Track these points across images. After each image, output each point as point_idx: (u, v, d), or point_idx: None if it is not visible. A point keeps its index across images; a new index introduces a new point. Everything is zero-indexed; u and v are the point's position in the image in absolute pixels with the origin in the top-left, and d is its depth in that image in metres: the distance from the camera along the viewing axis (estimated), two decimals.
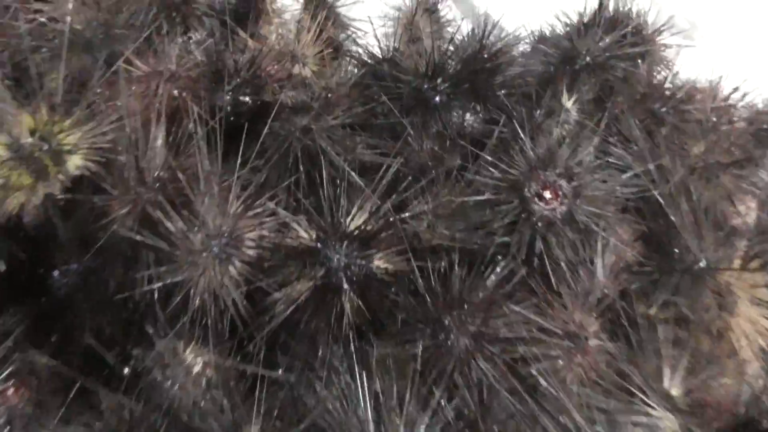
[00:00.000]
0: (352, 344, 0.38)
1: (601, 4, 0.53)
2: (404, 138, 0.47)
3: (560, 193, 0.41)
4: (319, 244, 0.38)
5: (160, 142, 0.38)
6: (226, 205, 0.37)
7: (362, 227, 0.39)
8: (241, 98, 0.45)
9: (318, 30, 0.56)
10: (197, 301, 0.36)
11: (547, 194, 0.41)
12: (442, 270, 0.40)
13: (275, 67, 0.50)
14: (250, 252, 0.37)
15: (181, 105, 0.43)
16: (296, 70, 0.53)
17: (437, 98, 0.50)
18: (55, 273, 0.39)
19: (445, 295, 0.39)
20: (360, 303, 0.39)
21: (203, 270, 0.36)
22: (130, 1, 0.46)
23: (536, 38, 0.55)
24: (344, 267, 0.38)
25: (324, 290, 0.38)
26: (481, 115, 0.50)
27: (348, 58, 0.56)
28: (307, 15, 0.58)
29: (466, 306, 0.38)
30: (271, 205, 0.39)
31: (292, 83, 0.49)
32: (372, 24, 0.55)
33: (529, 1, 0.66)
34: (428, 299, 0.39)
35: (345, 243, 0.38)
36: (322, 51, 0.55)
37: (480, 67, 0.50)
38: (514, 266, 0.41)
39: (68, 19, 0.41)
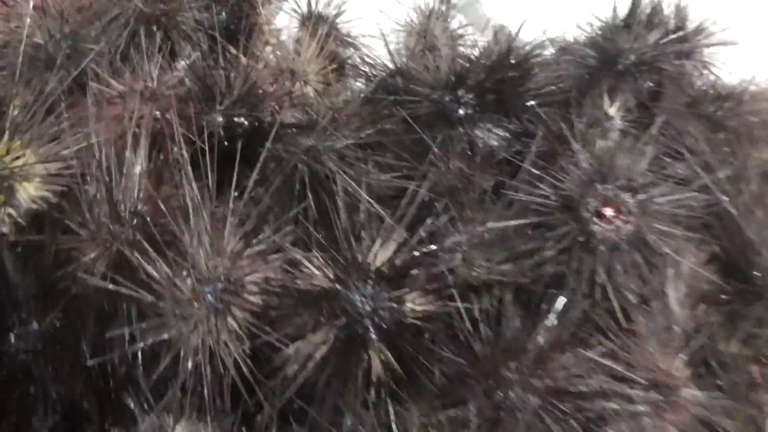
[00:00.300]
0: (384, 409, 0.30)
1: (636, 1, 0.47)
2: (428, 157, 0.40)
3: (624, 209, 0.34)
4: (338, 286, 0.31)
5: (138, 169, 0.31)
6: (221, 243, 0.29)
7: (389, 263, 0.32)
8: (236, 119, 0.38)
9: (319, 46, 0.49)
10: (189, 364, 0.28)
11: (609, 211, 0.34)
12: (489, 311, 0.33)
13: (272, 85, 0.43)
14: (254, 299, 0.29)
15: (164, 127, 0.36)
16: (296, 88, 0.46)
17: (461, 111, 0.43)
18: (10, 337, 0.31)
19: (496, 341, 0.31)
20: (391, 356, 0.31)
21: (196, 324, 0.29)
22: (101, 12, 0.39)
23: (563, 43, 0.49)
24: (371, 312, 0.31)
25: (347, 342, 0.31)
26: (511, 127, 0.43)
27: (354, 75, 0.50)
28: (306, 32, 0.52)
29: (525, 354, 0.30)
30: (276, 239, 0.31)
31: (292, 102, 0.43)
32: (383, 35, 0.48)
33: (543, 9, 0.60)
34: (476, 347, 0.31)
35: (370, 283, 0.31)
36: (325, 68, 0.49)
37: (507, 74, 0.44)
38: (575, 301, 0.33)
39: (24, 31, 0.34)
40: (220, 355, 0.29)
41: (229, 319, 0.29)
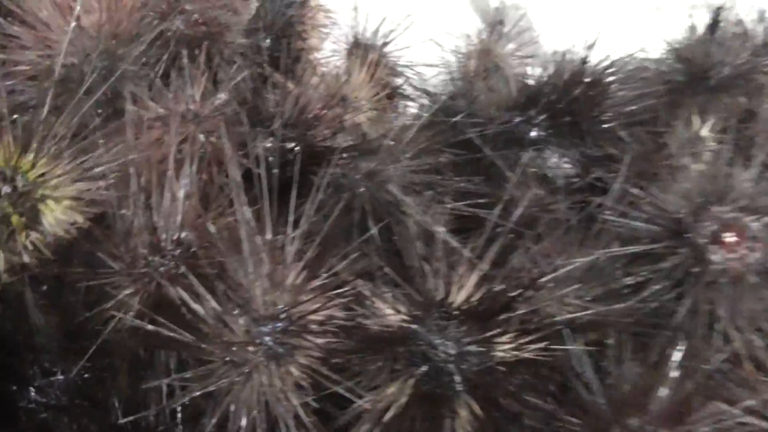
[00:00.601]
0: None
1: (717, 13, 0.43)
2: (502, 183, 0.35)
3: (748, 234, 0.29)
4: (415, 326, 0.26)
5: (182, 193, 0.27)
6: (280, 275, 0.25)
7: (472, 301, 0.27)
8: (288, 143, 0.34)
9: (369, 73, 0.46)
10: (243, 422, 0.23)
11: (730, 237, 0.29)
12: (592, 355, 0.28)
13: (324, 111, 0.39)
14: (317, 341, 0.24)
15: (209, 151, 0.32)
16: (348, 115, 0.42)
17: (533, 133, 0.38)
18: (30, 391, 0.27)
19: (609, 394, 0.26)
20: (479, 410, 0.26)
21: (250, 373, 0.24)
22: (140, 31, 0.36)
23: (636, 62, 0.45)
24: (455, 357, 0.25)
25: (428, 394, 0.25)
26: (588, 150, 0.39)
27: (406, 101, 0.46)
28: (355, 59, 0.48)
29: (646, 409, 0.25)
30: (341, 272, 0.26)
31: (344, 127, 0.38)
32: (441, 58, 0.44)
33: (599, 34, 0.56)
34: (584, 400, 0.26)
35: (453, 323, 0.26)
36: (376, 94, 0.45)
37: (582, 93, 0.39)
38: (695, 345, 0.28)
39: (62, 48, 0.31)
40: (279, 412, 0.24)
41: (291, 366, 0.24)
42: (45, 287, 0.26)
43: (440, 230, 0.30)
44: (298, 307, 0.24)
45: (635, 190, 0.31)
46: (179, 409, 0.27)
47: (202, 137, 0.33)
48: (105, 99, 0.32)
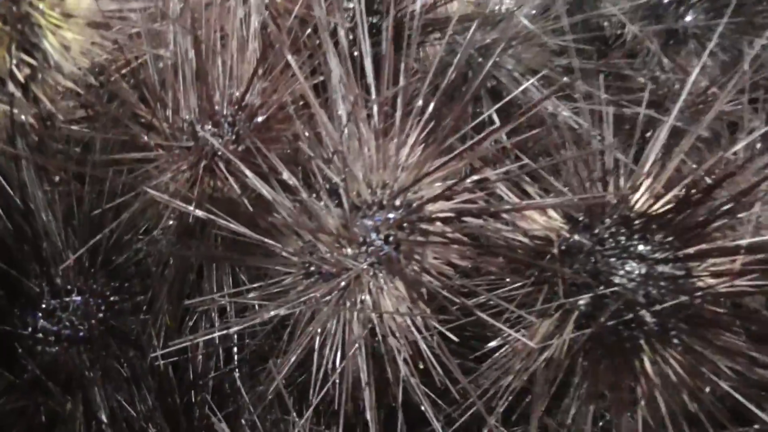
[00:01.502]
0: None
1: None
2: None
3: None
4: (581, 237, 0.17)
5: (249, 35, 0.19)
6: (389, 148, 0.17)
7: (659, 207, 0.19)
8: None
9: None
10: (336, 358, 0.15)
11: None
12: None
13: None
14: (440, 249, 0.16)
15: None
16: None
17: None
18: (37, 315, 0.19)
19: None
20: (674, 356, 0.17)
21: (348, 287, 0.16)
22: None
23: None
24: (642, 283, 0.17)
25: (603, 335, 0.17)
26: None
27: None
28: None
29: None
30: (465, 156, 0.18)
31: None
32: None
33: None
34: None
35: (636, 237, 0.17)
36: None
37: None
38: None
39: None
40: (389, 345, 0.15)
41: (407, 272, 0.16)
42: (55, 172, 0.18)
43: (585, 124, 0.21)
44: (415, 194, 0.16)
45: None
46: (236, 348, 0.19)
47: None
48: None
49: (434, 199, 0.16)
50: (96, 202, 0.20)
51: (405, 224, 0.16)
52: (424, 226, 0.16)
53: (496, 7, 0.28)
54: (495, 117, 0.25)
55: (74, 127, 0.18)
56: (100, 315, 0.20)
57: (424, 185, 0.17)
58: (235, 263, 0.18)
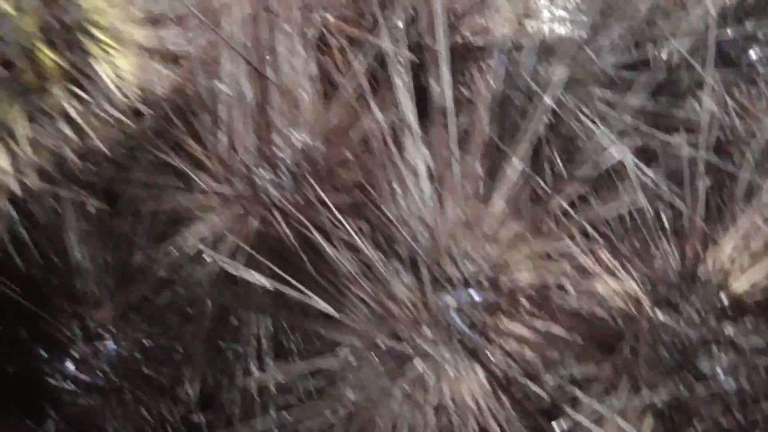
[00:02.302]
0: None
1: None
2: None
3: None
4: (663, 316, 0.16)
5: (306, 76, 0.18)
6: (475, 213, 0.15)
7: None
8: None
9: None
10: None
11: None
12: None
13: None
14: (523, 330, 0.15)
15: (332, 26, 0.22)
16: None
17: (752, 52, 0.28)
18: (66, 362, 0.18)
19: None
20: None
21: (415, 369, 0.14)
22: None
23: None
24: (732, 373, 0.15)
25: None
26: None
27: None
28: None
29: None
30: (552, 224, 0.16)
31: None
32: None
33: None
34: None
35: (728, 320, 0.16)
36: None
37: None
38: None
39: None
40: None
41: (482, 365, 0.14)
42: (93, 208, 0.16)
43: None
44: (503, 268, 0.14)
45: None
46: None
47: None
48: None
49: (531, 287, 0.14)
50: (133, 239, 0.18)
51: (491, 305, 0.14)
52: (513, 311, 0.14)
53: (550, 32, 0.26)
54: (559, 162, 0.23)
55: (118, 161, 0.17)
56: (134, 363, 0.19)
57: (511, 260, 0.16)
58: (285, 321, 0.17)
